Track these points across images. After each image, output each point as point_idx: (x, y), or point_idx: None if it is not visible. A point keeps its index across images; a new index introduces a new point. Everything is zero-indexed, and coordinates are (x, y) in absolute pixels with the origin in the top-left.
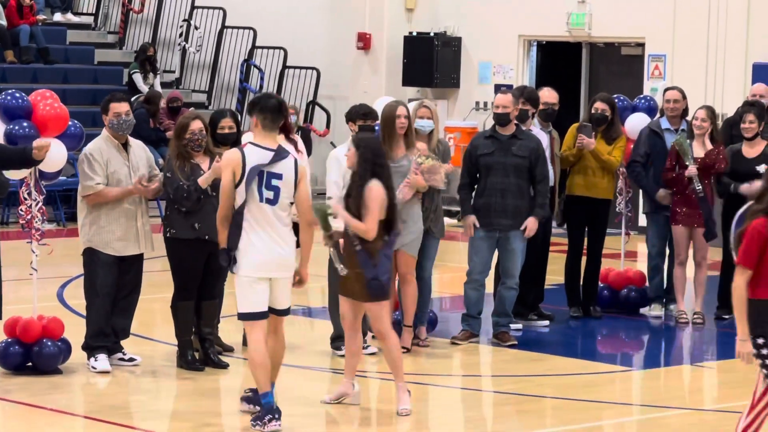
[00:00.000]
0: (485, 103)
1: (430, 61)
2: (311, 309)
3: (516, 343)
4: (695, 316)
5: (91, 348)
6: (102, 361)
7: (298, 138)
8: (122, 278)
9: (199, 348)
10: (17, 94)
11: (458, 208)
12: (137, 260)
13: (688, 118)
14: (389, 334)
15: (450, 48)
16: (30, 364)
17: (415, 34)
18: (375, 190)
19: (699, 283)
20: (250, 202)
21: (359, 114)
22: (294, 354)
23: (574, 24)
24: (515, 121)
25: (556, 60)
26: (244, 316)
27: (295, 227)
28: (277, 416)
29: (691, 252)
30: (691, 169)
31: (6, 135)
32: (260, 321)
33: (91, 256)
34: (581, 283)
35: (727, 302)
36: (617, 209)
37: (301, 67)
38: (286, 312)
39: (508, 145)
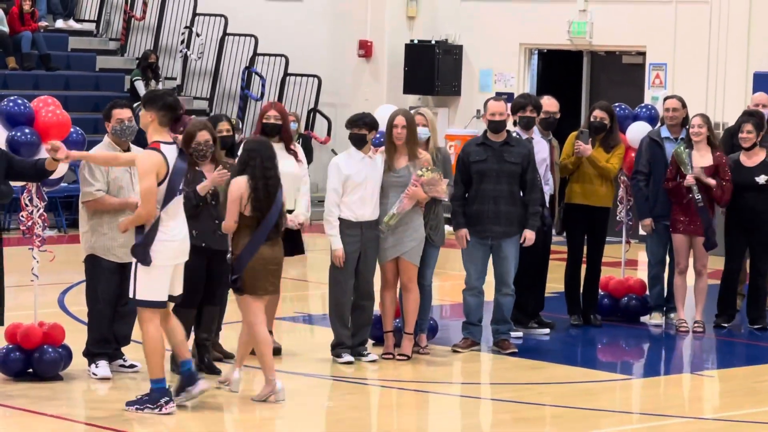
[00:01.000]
0: None
1: (431, 69)
2: (312, 316)
3: (516, 350)
4: (695, 324)
5: (92, 354)
6: (103, 367)
7: (298, 148)
8: (124, 285)
9: (196, 354)
10: (19, 101)
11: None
12: None
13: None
14: (254, 328)
15: (451, 56)
16: (31, 370)
17: (416, 42)
18: (234, 183)
19: (699, 291)
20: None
21: (348, 122)
22: (294, 361)
23: (576, 32)
24: (509, 128)
25: (557, 68)
26: (150, 304)
27: (291, 234)
28: (171, 399)
29: (691, 261)
30: (689, 179)
31: (8, 141)
32: (162, 309)
33: (92, 262)
34: (581, 291)
35: (726, 311)
36: (618, 218)
37: (302, 75)
38: (177, 298)
39: (500, 152)
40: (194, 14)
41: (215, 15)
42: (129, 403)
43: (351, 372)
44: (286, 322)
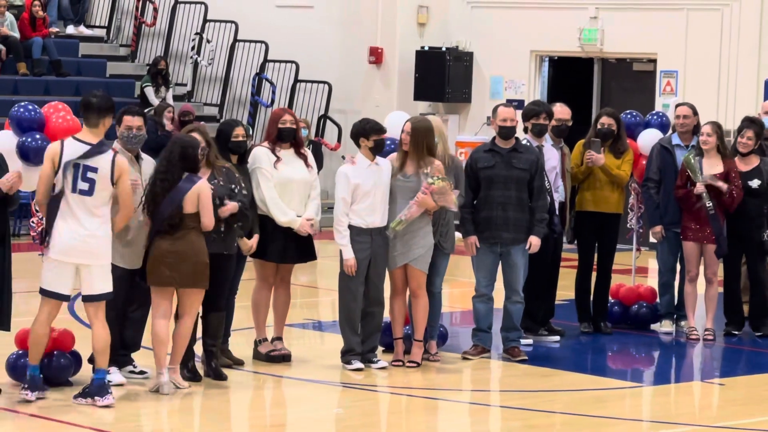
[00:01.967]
0: None
1: (442, 75)
2: (321, 323)
3: (526, 358)
4: (706, 332)
5: None
6: (115, 374)
7: (308, 152)
8: (133, 291)
9: (204, 360)
10: (30, 106)
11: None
12: None
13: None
14: (152, 320)
15: (462, 63)
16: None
17: (426, 48)
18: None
19: (709, 299)
20: (65, 191)
21: (371, 129)
22: (304, 368)
23: (587, 39)
24: (518, 135)
25: (568, 75)
26: (43, 292)
27: (302, 240)
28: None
29: (701, 268)
30: (699, 187)
31: (19, 147)
32: (54, 301)
33: None
34: (591, 298)
35: (735, 317)
36: (628, 225)
37: (312, 81)
38: (95, 297)
39: (508, 158)
40: (205, 20)
41: (226, 21)
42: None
43: (361, 379)
44: (296, 328)
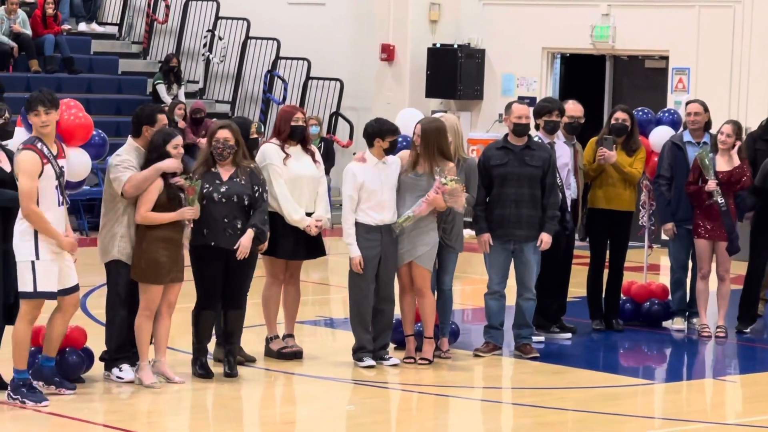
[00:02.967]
0: None
1: (454, 72)
2: (333, 320)
3: (538, 355)
4: (718, 329)
5: (113, 360)
6: (127, 371)
7: (315, 149)
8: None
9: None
10: None
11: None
12: None
13: (713, 131)
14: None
15: (473, 60)
16: None
17: (438, 45)
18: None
19: (722, 296)
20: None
21: (387, 131)
22: (316, 364)
23: (598, 37)
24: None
25: (580, 72)
26: (41, 295)
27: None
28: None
29: (713, 265)
30: (711, 184)
31: None
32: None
33: (117, 268)
34: (603, 295)
35: (748, 312)
36: (640, 222)
37: (324, 78)
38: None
39: (521, 156)
40: (217, 18)
41: (238, 18)
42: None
43: (372, 376)
44: (308, 325)
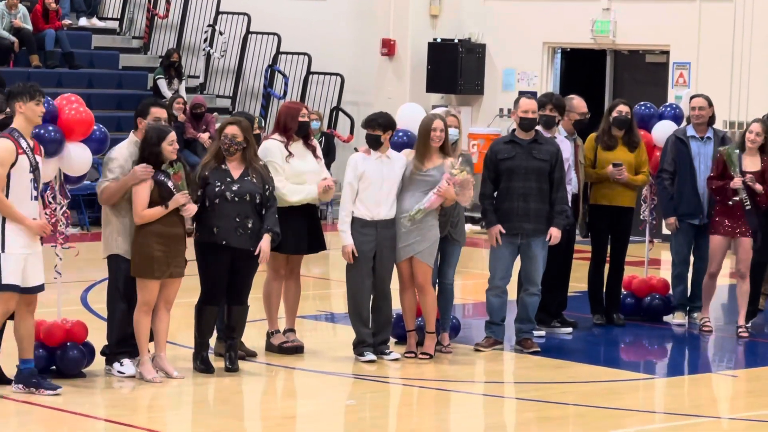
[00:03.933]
0: (509, 110)
1: (455, 67)
2: (334, 314)
3: (539, 350)
4: (740, 329)
5: (114, 354)
6: (128, 366)
7: (316, 143)
8: None
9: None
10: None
11: (479, 214)
12: None
13: (717, 126)
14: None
15: (474, 55)
16: (54, 367)
17: (439, 40)
18: None
19: (742, 294)
20: None
21: (363, 122)
22: (317, 359)
23: (599, 31)
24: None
25: (581, 67)
26: (6, 288)
27: (313, 231)
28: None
29: (727, 262)
30: (736, 181)
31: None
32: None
33: (117, 263)
34: (604, 290)
35: (749, 309)
36: (641, 217)
37: (325, 73)
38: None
39: (529, 150)
40: (217, 12)
41: (238, 13)
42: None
43: (373, 370)
44: (309, 320)
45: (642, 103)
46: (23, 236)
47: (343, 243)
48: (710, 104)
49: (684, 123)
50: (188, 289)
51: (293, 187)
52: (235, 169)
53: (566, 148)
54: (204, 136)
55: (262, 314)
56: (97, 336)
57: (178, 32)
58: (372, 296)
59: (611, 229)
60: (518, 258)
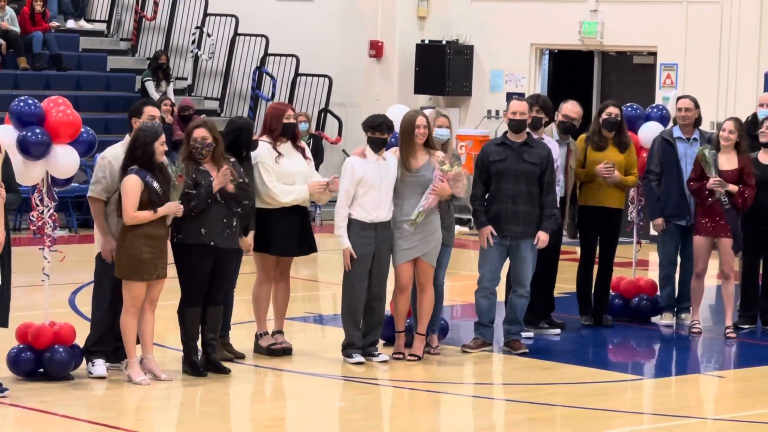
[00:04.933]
0: (497, 112)
1: (442, 69)
2: (323, 316)
3: (527, 351)
4: (727, 330)
5: (90, 353)
6: (99, 366)
7: (305, 145)
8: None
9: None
10: (30, 101)
11: (468, 216)
12: None
13: (704, 128)
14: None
15: (462, 56)
16: (41, 370)
17: (427, 42)
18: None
19: (728, 295)
20: None
21: (368, 126)
22: (305, 361)
23: (586, 33)
24: (527, 129)
25: (568, 69)
26: None
27: (304, 232)
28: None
29: (714, 263)
30: (713, 182)
31: (19, 141)
32: None
33: (103, 262)
34: (593, 291)
35: (748, 312)
36: (629, 218)
37: (313, 75)
38: None
39: (519, 152)
40: (205, 14)
41: (226, 15)
42: None
43: (362, 372)
44: (297, 322)
45: (628, 104)
46: None
47: (342, 247)
48: (696, 105)
49: (670, 124)
50: (171, 290)
51: (285, 187)
52: (212, 170)
53: (554, 151)
54: None
55: (251, 316)
56: (85, 338)
57: (166, 34)
58: (366, 298)
59: (600, 231)
60: (507, 259)
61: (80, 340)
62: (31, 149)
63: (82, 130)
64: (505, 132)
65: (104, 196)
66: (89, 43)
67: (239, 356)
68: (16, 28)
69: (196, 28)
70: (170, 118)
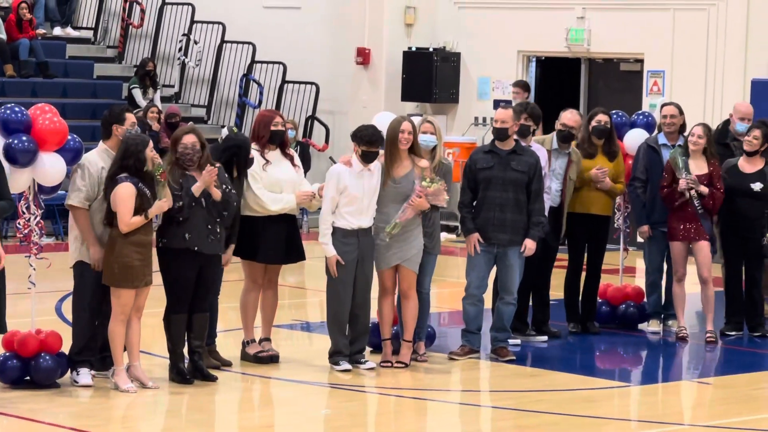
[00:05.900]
0: (484, 119)
1: (429, 76)
2: (309, 324)
3: (514, 358)
4: (708, 335)
5: (74, 362)
6: (84, 375)
7: (294, 153)
8: (105, 290)
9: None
10: (16, 108)
11: (455, 223)
12: None
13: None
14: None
15: (449, 63)
16: (28, 378)
17: (414, 49)
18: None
19: (707, 299)
20: None
21: (364, 140)
22: (292, 368)
23: (573, 40)
24: (514, 137)
25: (555, 76)
26: None
27: (292, 240)
28: None
29: (694, 269)
30: (682, 183)
31: (5, 149)
32: None
33: (81, 270)
34: (580, 298)
35: (733, 318)
36: (615, 225)
37: (300, 82)
38: None
39: (507, 160)
40: (192, 22)
41: (213, 22)
42: None
43: (349, 379)
44: (284, 329)
45: (614, 111)
46: None
47: (327, 255)
48: (681, 112)
49: (656, 131)
50: (161, 298)
51: (273, 195)
52: (199, 176)
53: (542, 158)
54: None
55: (239, 324)
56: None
57: (153, 41)
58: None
59: (588, 239)
60: (494, 267)
61: (67, 348)
62: (18, 157)
63: (69, 137)
64: (493, 139)
65: (86, 204)
66: (76, 51)
67: (226, 363)
68: (3, 36)
69: (183, 35)
70: (157, 126)
